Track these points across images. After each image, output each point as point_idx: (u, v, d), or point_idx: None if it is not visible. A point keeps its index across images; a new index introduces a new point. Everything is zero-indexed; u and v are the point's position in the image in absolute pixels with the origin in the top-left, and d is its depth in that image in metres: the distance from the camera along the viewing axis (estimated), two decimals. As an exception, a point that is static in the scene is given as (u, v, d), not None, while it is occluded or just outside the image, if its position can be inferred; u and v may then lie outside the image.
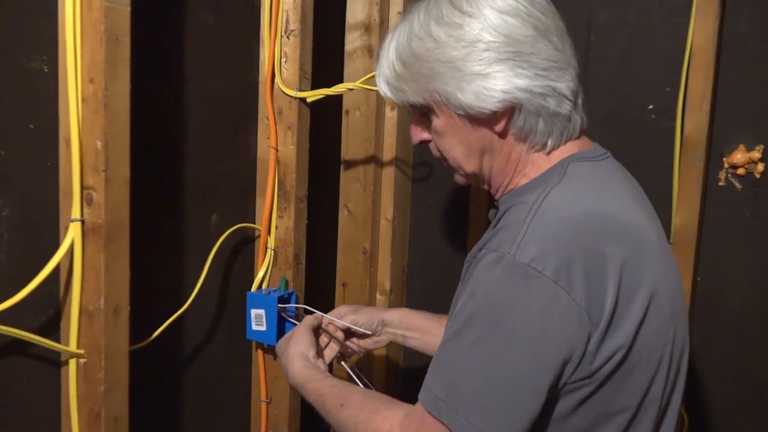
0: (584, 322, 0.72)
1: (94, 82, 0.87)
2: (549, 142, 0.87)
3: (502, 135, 0.87)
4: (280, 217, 1.28)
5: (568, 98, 0.85)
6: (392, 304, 1.60)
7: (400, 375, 1.67)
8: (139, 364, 1.05)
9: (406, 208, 1.64)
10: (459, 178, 0.96)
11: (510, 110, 0.84)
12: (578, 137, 0.89)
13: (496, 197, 0.94)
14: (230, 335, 1.29)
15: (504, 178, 0.91)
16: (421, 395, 0.77)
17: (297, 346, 1.06)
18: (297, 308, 1.27)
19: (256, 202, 1.30)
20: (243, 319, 1.27)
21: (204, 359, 1.23)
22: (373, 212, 1.55)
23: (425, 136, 0.94)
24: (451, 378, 0.74)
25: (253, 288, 1.26)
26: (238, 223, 1.25)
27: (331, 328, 1.17)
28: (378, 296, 1.60)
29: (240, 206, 1.28)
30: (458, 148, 0.90)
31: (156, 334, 1.05)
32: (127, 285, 0.93)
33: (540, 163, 0.88)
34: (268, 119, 1.25)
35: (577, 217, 0.77)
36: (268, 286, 1.30)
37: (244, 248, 1.31)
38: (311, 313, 1.20)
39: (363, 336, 1.20)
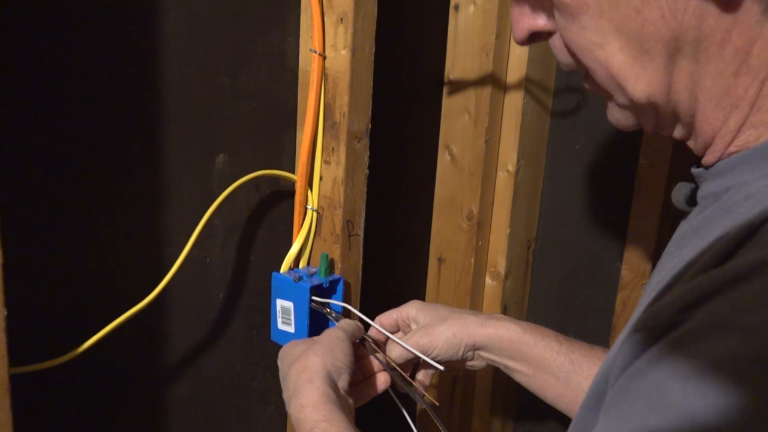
0: None
1: None
2: None
3: (730, 4, 0.35)
4: (326, 162, 0.83)
5: None
6: (508, 294, 1.11)
7: (513, 396, 1.19)
8: (72, 391, 0.68)
9: (539, 155, 1.11)
10: (617, 115, 0.46)
11: None
12: None
13: (708, 159, 0.42)
14: (252, 333, 0.89)
15: (730, 112, 0.39)
16: None
17: (324, 357, 0.65)
18: (342, 307, 0.83)
19: (296, 138, 0.86)
20: (269, 312, 0.86)
21: (207, 368, 0.84)
22: (486, 159, 1.05)
23: (539, 22, 0.44)
24: None
25: (283, 268, 0.84)
26: (260, 169, 0.82)
27: (391, 352, 0.75)
28: (488, 281, 1.11)
29: (266, 144, 0.84)
30: (614, 43, 0.40)
31: (90, 342, 0.66)
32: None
33: None
34: (311, 6, 0.79)
35: None
36: (308, 264, 0.87)
37: (277, 208, 0.88)
38: (363, 319, 0.78)
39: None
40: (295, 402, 0.61)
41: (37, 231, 0.65)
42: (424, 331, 0.75)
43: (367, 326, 0.79)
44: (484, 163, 1.04)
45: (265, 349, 0.90)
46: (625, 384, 0.34)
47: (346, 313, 0.83)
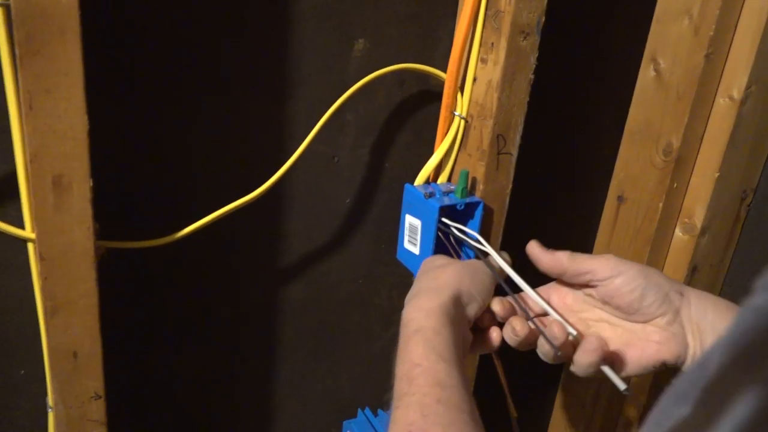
0: None
1: None
2: None
3: None
4: (482, 60, 0.69)
5: None
6: (702, 253, 0.89)
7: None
8: (171, 276, 0.66)
9: (781, 80, 0.84)
10: None
11: None
12: None
13: None
14: (380, 247, 0.81)
15: None
16: None
17: (461, 277, 0.59)
18: (468, 236, 0.70)
19: (455, 30, 0.72)
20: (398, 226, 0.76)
21: (325, 275, 0.78)
22: (704, 79, 0.81)
23: None
24: None
25: (418, 180, 0.73)
26: (405, 62, 0.70)
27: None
28: (678, 233, 0.90)
29: (417, 33, 0.72)
30: None
31: (191, 229, 0.62)
32: (80, 113, 0.50)
33: None
34: None
35: None
36: (449, 180, 0.75)
37: (423, 110, 0.77)
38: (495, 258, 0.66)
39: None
40: (414, 303, 0.56)
41: (154, 105, 0.62)
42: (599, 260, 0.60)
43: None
44: (699, 83, 0.81)
45: (393, 266, 0.81)
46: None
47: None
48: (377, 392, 0.87)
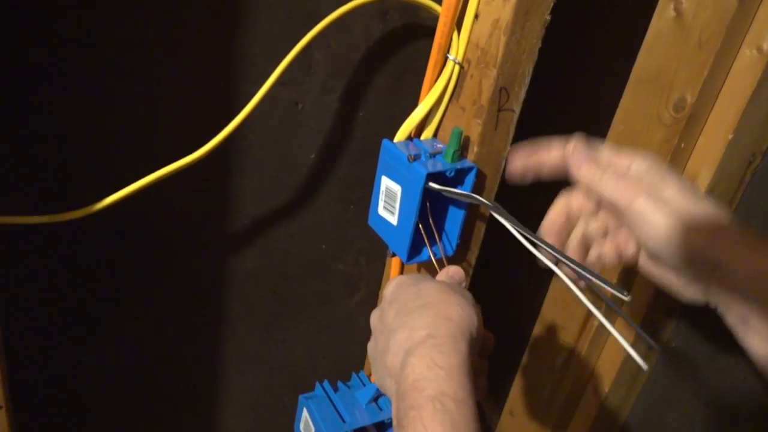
0: None
1: None
2: None
3: None
4: (488, -7, 0.55)
5: None
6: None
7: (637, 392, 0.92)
8: (93, 252, 0.53)
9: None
10: None
11: None
12: None
13: None
14: (348, 209, 0.69)
15: None
16: None
17: (471, 315, 0.46)
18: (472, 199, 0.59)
19: (454, -53, 0.58)
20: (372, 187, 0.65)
21: (282, 240, 0.66)
22: (732, 27, 0.70)
23: None
24: None
25: (398, 135, 0.61)
26: (390, -11, 0.56)
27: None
28: (677, 197, 0.81)
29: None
30: None
31: (116, 197, 0.49)
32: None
33: None
34: None
35: None
36: (435, 136, 0.63)
37: (408, 49, 0.63)
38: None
39: None
40: (425, 351, 0.43)
41: (63, 42, 0.46)
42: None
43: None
44: (726, 31, 0.69)
45: (361, 229, 0.70)
46: None
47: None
48: (337, 364, 0.78)
